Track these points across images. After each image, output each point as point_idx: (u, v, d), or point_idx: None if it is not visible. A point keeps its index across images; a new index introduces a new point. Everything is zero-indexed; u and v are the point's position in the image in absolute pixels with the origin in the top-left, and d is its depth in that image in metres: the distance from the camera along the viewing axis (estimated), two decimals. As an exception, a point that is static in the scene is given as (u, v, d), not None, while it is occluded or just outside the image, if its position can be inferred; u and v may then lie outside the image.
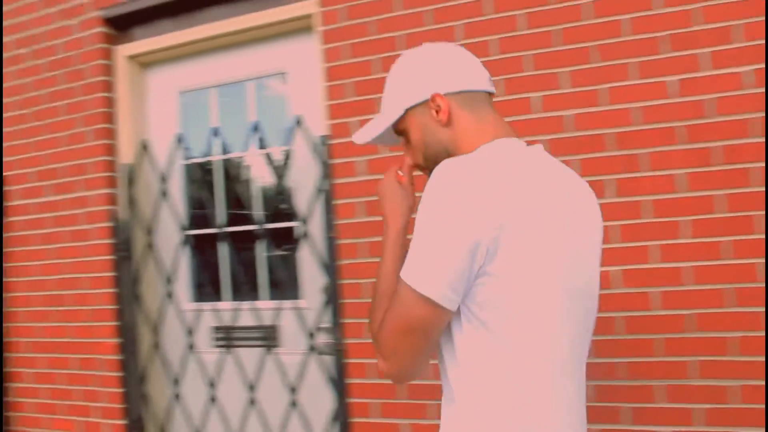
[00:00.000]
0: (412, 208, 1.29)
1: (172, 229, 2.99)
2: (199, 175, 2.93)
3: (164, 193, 2.92)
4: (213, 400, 2.80)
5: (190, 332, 2.84)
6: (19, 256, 3.19)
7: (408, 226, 1.29)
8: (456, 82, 1.20)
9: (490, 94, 1.25)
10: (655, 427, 2.07)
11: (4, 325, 3.26)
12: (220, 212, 2.88)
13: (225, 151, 2.78)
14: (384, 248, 1.23)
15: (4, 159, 3.25)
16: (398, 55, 2.40)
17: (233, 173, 2.79)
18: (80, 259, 3.01)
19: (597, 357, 2.13)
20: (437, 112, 1.21)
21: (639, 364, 2.08)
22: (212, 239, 2.91)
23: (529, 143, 1.91)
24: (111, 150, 3.00)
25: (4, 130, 3.26)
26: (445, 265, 1.03)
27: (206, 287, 2.90)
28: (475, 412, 1.08)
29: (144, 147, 3.00)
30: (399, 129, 1.28)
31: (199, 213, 2.96)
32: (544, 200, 1.09)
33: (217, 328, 2.87)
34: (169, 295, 2.88)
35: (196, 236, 2.94)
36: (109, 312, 2.93)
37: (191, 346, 2.84)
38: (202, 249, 2.94)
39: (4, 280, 3.25)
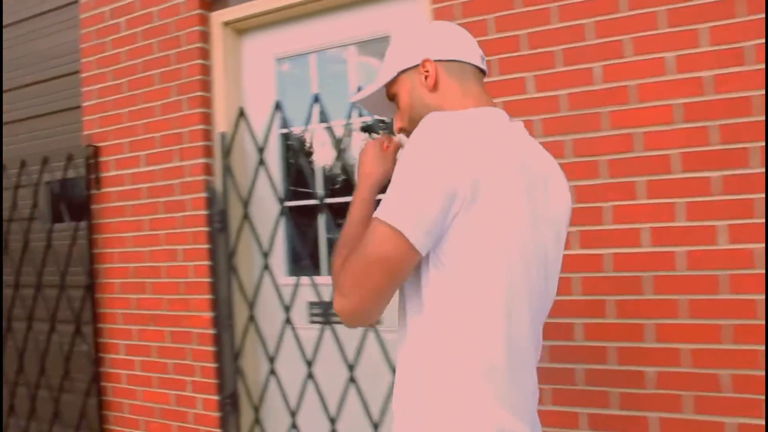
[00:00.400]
0: (387, 173, 1.34)
1: (269, 200, 2.89)
2: (298, 145, 2.82)
3: (261, 163, 2.82)
4: (310, 377, 2.70)
5: (287, 308, 2.74)
6: (114, 228, 3.16)
7: (379, 187, 1.34)
8: (446, 50, 1.26)
9: (482, 71, 1.30)
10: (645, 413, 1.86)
11: (95, 296, 3.25)
12: (319, 183, 2.76)
13: (324, 119, 2.66)
14: (353, 201, 1.29)
15: (100, 129, 3.22)
16: (515, 13, 2.22)
17: (333, 143, 2.67)
18: (175, 231, 2.95)
19: (588, 340, 1.92)
20: (426, 77, 1.25)
21: (627, 350, 1.87)
22: (310, 211, 2.80)
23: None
24: (207, 119, 2.92)
25: (100, 99, 3.22)
26: (421, 208, 1.05)
27: (304, 261, 2.80)
28: (438, 359, 1.10)
29: (241, 115, 2.90)
30: (391, 93, 1.33)
31: (296, 184, 2.86)
32: (515, 168, 1.12)
33: (314, 303, 2.77)
34: (266, 268, 2.78)
35: (293, 208, 2.84)
36: (205, 285, 2.86)
37: (288, 322, 2.75)
38: (300, 221, 2.83)
39: (96, 251, 3.23)
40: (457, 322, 1.09)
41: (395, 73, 1.30)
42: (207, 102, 2.92)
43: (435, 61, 1.26)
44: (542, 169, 1.21)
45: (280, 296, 2.77)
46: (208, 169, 2.90)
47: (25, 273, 3.67)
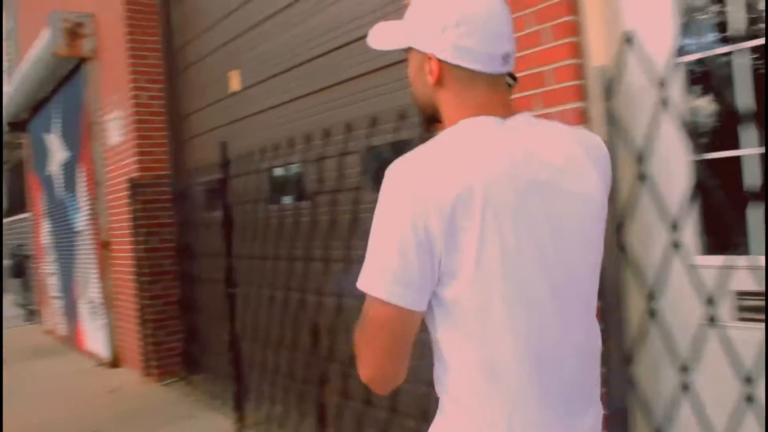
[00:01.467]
0: None
1: (674, 155, 2.13)
2: (711, 78, 2.01)
3: (664, 104, 2.06)
4: (749, 400, 1.91)
5: (710, 300, 1.98)
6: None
7: None
8: (457, 52, 1.13)
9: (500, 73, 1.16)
10: None
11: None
12: (745, 128, 1.93)
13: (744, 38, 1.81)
14: None
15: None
16: None
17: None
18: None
19: None
20: (429, 72, 1.17)
21: None
22: (733, 165, 1.99)
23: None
24: (577, 51, 2.24)
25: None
26: (385, 262, 1.05)
27: (727, 236, 2.01)
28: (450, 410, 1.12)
29: (627, 42, 2.16)
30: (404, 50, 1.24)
31: (711, 131, 2.06)
32: (495, 182, 1.04)
33: (747, 294, 1.97)
34: (675, 246, 2.04)
35: (710, 163, 2.05)
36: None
37: (711, 319, 1.98)
38: (720, 179, 2.03)
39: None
40: (460, 373, 1.10)
41: (405, 46, 1.21)
42: (575, 29, 2.24)
43: (442, 60, 1.15)
44: (550, 163, 1.10)
45: (695, 283, 2.01)
46: (581, 117, 2.23)
47: (357, 247, 3.37)
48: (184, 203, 5.90)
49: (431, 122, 1.24)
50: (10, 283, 13.99)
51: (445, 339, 1.10)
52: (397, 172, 1.06)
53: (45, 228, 9.60)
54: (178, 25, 6.06)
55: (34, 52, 7.38)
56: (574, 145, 1.14)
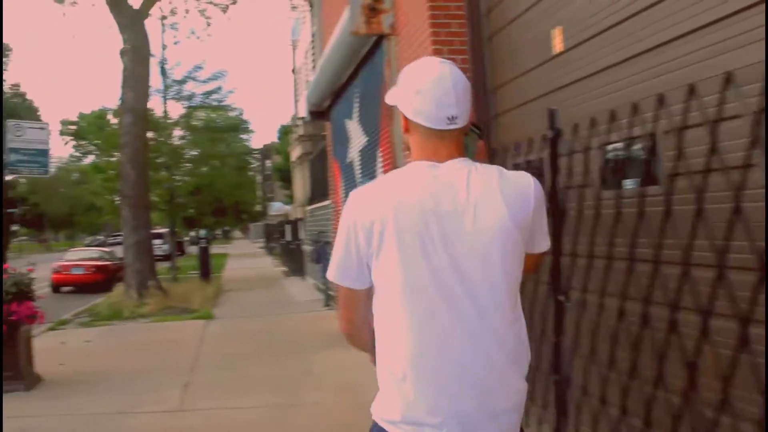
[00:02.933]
0: None
1: None
2: None
3: None
4: None
5: None
6: None
7: None
8: (418, 115, 1.69)
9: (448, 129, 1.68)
10: None
11: None
12: None
13: None
14: None
15: None
16: None
17: None
18: None
19: None
20: (402, 123, 1.77)
21: None
22: None
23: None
24: None
25: None
26: (336, 259, 1.72)
27: None
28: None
29: None
30: None
31: None
32: (404, 210, 1.61)
33: None
34: None
35: None
36: None
37: None
38: None
39: None
40: (379, 333, 1.71)
41: (394, 104, 1.79)
42: None
43: (406, 117, 1.73)
44: (457, 197, 1.62)
45: None
46: None
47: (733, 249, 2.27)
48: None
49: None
50: (311, 267, 14.82)
51: (375, 309, 1.72)
52: (351, 197, 1.72)
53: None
54: (484, -13, 5.34)
55: (334, 35, 7.26)
56: (492, 184, 1.64)
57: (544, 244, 1.76)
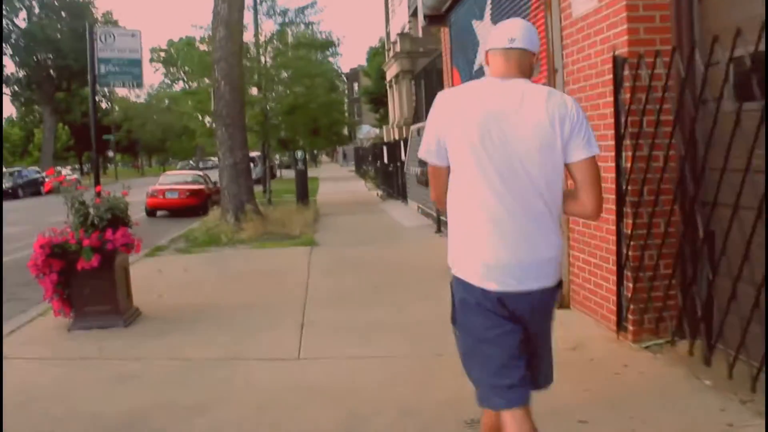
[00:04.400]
0: None
1: None
2: None
3: None
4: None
5: None
6: None
7: None
8: (491, 43, 2.37)
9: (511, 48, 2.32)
10: None
11: None
12: None
13: None
14: None
15: None
16: None
17: None
18: None
19: None
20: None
21: None
22: None
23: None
24: None
25: None
26: (424, 142, 2.35)
27: None
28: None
29: None
30: None
31: None
32: (471, 110, 2.24)
33: None
34: None
35: None
36: None
37: None
38: None
39: None
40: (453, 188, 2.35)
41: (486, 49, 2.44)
42: None
43: (486, 50, 2.40)
44: (511, 102, 2.23)
45: None
46: None
47: None
48: (691, 91, 3.89)
49: None
50: (415, 191, 13.81)
51: (450, 182, 2.35)
52: (438, 97, 2.36)
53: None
54: None
55: None
56: (539, 96, 2.24)
57: (582, 153, 2.24)
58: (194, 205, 16.98)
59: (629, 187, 4.29)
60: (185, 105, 23.44)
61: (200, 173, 20.51)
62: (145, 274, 7.77)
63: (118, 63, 7.75)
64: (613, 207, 4.40)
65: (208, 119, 22.32)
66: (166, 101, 58.88)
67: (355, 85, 68.07)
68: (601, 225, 4.65)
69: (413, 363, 4.39)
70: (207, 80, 16.77)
